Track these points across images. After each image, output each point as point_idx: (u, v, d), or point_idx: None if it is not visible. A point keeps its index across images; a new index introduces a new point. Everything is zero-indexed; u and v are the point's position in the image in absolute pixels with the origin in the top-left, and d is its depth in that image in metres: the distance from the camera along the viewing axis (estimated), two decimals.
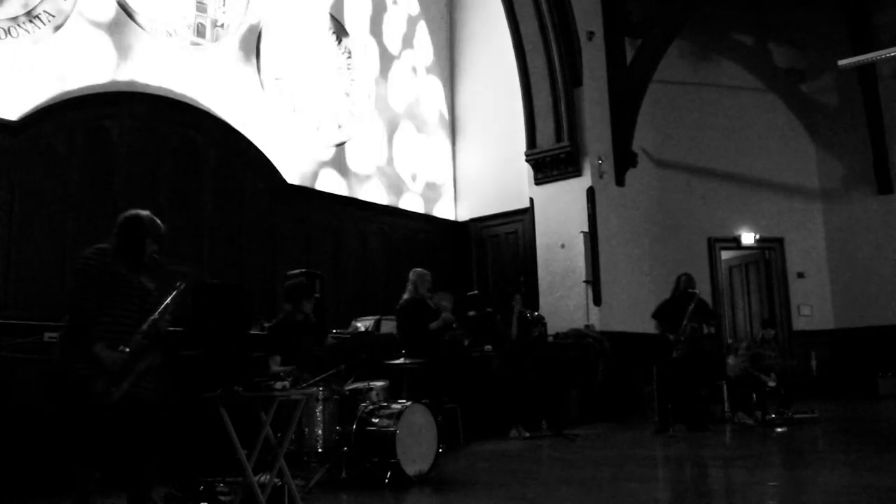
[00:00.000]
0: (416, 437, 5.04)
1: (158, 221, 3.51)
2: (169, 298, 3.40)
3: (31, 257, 6.70)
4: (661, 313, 8.19)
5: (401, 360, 5.76)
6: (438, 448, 5.21)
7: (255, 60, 9.06)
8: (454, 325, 7.45)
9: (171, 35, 8.17)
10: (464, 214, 11.62)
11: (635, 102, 11.10)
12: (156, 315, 3.33)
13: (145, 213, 3.51)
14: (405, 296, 6.88)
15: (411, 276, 6.92)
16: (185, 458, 4.82)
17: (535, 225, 10.76)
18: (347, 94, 10.21)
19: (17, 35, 6.94)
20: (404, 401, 5.24)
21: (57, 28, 7.23)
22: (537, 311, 9.77)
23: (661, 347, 7.97)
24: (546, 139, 10.63)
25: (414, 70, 11.40)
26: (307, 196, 9.32)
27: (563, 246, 10.41)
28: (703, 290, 11.82)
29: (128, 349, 3.21)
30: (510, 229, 11.15)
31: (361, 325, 7.98)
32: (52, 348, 5.02)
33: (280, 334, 5.45)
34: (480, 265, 11.36)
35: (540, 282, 10.56)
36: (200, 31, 8.49)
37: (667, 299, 8.32)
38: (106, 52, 7.60)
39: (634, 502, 4.28)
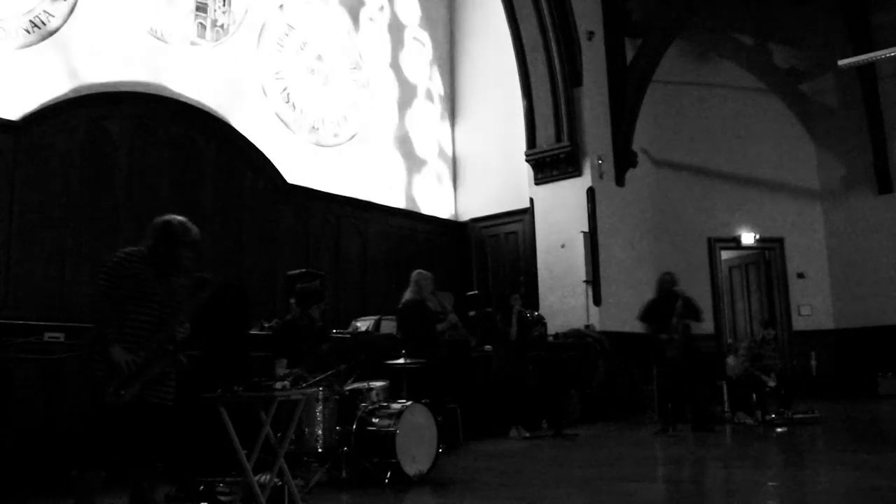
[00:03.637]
0: (416, 437, 5.03)
1: (192, 227, 3.51)
2: (188, 305, 3.45)
3: (32, 257, 6.70)
4: (648, 314, 8.10)
5: (401, 360, 5.76)
6: (438, 448, 5.20)
7: (255, 59, 9.06)
8: (459, 326, 7.45)
9: (171, 35, 8.17)
10: (464, 214, 11.62)
11: (635, 102, 11.10)
12: (172, 322, 3.38)
13: (179, 218, 3.52)
14: (406, 296, 6.89)
15: (413, 276, 6.92)
16: (185, 458, 4.82)
17: (535, 225, 10.76)
18: (348, 99, 10.22)
19: (18, 35, 6.95)
20: (404, 401, 5.23)
21: (57, 28, 7.23)
22: (537, 311, 9.77)
23: (653, 348, 7.92)
24: (546, 139, 10.63)
25: (413, 67, 11.39)
26: (307, 196, 9.32)
27: (563, 246, 10.41)
28: (703, 290, 11.88)
29: (142, 353, 3.25)
30: (510, 229, 11.15)
31: (361, 325, 7.98)
32: (52, 348, 5.06)
33: (284, 336, 5.44)
34: (480, 265, 11.36)
35: (540, 282, 10.56)
36: (200, 31, 8.49)
37: (652, 300, 8.23)
38: (106, 52, 7.60)
39: (634, 502, 4.28)
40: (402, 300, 6.91)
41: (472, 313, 8.72)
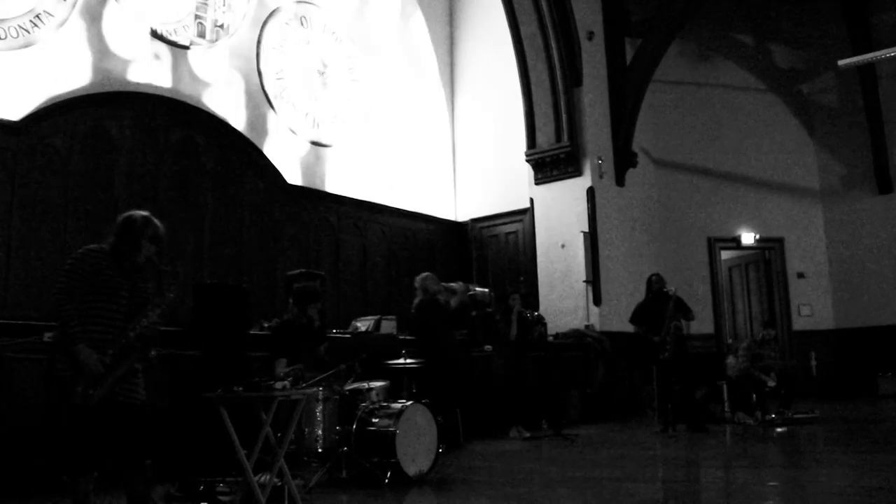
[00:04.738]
0: (416, 437, 5.04)
1: (156, 222, 3.41)
2: (157, 301, 3.35)
3: (32, 257, 6.70)
4: (639, 316, 8.13)
5: (401, 361, 5.76)
6: (438, 448, 5.20)
7: (255, 60, 9.06)
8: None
9: (171, 35, 8.17)
10: (464, 214, 11.61)
11: (635, 102, 11.10)
12: (142, 318, 3.29)
13: (141, 213, 3.42)
14: (416, 300, 6.88)
15: (417, 283, 6.94)
16: (185, 458, 4.83)
17: (535, 225, 10.76)
18: (348, 100, 10.23)
19: (18, 35, 6.95)
20: (404, 401, 5.24)
21: (57, 28, 7.23)
22: (537, 310, 9.78)
23: (645, 350, 7.93)
24: (546, 139, 10.63)
25: (413, 68, 11.39)
26: (307, 196, 9.32)
27: (563, 246, 10.41)
28: (703, 290, 11.89)
29: (111, 351, 3.16)
30: (510, 229, 11.15)
31: (361, 325, 7.98)
32: (52, 348, 5.06)
33: (283, 336, 5.44)
34: (480, 265, 11.35)
35: (540, 282, 10.56)
36: (201, 31, 8.49)
37: (642, 302, 8.28)
38: (106, 52, 7.59)
39: (634, 502, 4.28)
40: (413, 305, 6.91)
41: (472, 313, 8.72)
